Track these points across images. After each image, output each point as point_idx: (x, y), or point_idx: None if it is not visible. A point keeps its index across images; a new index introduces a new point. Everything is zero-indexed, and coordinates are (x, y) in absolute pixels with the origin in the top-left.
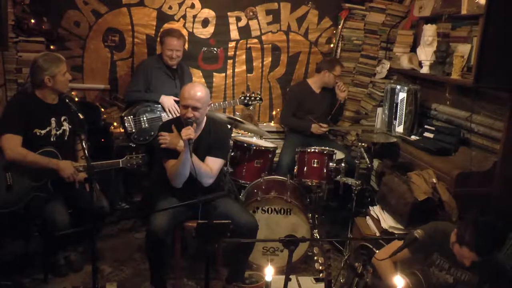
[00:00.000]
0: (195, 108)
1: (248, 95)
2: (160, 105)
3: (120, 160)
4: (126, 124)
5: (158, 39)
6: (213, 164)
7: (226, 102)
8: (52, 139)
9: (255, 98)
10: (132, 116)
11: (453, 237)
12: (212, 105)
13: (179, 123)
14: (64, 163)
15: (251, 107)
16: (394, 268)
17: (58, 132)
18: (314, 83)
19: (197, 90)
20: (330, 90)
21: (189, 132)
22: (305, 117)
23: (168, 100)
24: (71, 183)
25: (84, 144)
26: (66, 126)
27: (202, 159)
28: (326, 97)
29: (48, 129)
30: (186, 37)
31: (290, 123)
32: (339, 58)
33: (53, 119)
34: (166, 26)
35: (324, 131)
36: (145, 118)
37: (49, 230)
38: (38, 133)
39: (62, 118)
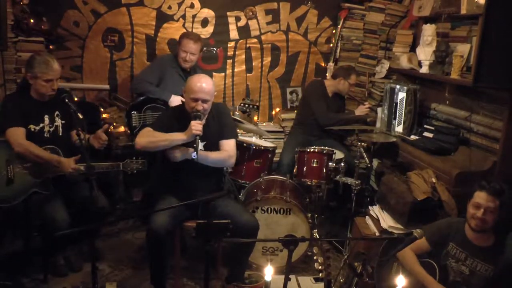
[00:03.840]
0: (204, 101)
1: (246, 103)
2: (164, 103)
3: (121, 163)
4: (132, 118)
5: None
6: (228, 146)
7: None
8: (46, 135)
9: (253, 106)
10: (137, 112)
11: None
12: None
13: (182, 112)
14: (67, 160)
15: (248, 114)
16: (417, 260)
17: (51, 129)
18: (329, 86)
19: (205, 82)
20: (340, 97)
21: (199, 128)
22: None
23: (177, 102)
24: (71, 183)
25: (83, 143)
26: (58, 121)
27: (213, 143)
28: (335, 103)
29: (41, 125)
30: None
31: (333, 119)
32: (338, 57)
33: (46, 116)
34: (166, 26)
35: (369, 107)
36: (150, 115)
37: (49, 230)
38: (32, 129)
39: (55, 114)
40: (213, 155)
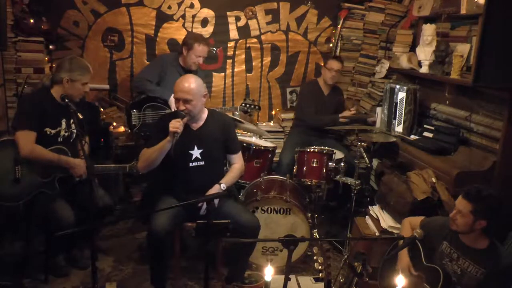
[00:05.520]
0: (186, 101)
1: (247, 103)
2: (164, 102)
3: (128, 166)
4: (132, 117)
5: (184, 40)
6: (239, 159)
7: (227, 108)
8: (59, 140)
9: (254, 106)
10: (137, 110)
11: None
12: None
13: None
14: (79, 161)
15: (249, 115)
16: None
17: (66, 134)
18: (322, 84)
19: (187, 82)
20: (336, 92)
21: (177, 125)
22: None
23: None
24: (76, 183)
25: (83, 145)
26: (74, 129)
27: (210, 148)
28: (333, 99)
29: (58, 129)
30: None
31: (316, 120)
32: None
33: (63, 120)
34: (166, 25)
35: (354, 112)
36: (150, 114)
37: (54, 229)
38: (48, 132)
39: (71, 121)
40: (233, 175)
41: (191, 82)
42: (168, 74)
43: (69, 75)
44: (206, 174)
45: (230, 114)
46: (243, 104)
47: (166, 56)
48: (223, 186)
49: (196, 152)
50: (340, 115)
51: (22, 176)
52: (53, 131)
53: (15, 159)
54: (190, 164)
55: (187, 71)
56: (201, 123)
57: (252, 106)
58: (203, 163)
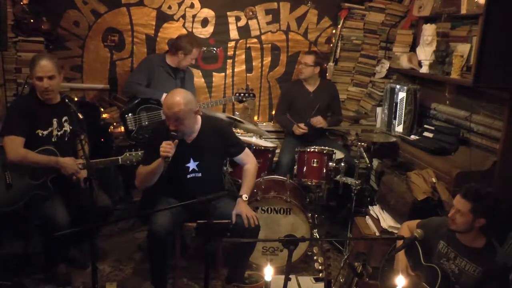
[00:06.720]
0: (177, 120)
1: (241, 92)
2: (157, 102)
3: (120, 157)
4: (127, 122)
5: (180, 42)
6: (247, 157)
7: (222, 99)
8: (53, 140)
9: (249, 94)
10: (131, 114)
11: None
12: (208, 103)
13: (167, 129)
14: (67, 160)
15: (246, 104)
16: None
17: (59, 133)
18: (305, 81)
19: (175, 100)
20: (326, 89)
21: (168, 149)
22: (299, 116)
23: None
24: (71, 182)
25: (83, 144)
26: (67, 126)
27: (206, 159)
28: (320, 96)
29: (50, 129)
30: None
31: (279, 121)
32: (338, 57)
33: (54, 119)
34: (166, 25)
35: (302, 132)
36: (145, 116)
37: (49, 229)
38: (40, 134)
39: (63, 119)
40: (251, 180)
41: (180, 99)
42: (156, 75)
43: (30, 75)
44: (203, 184)
45: (227, 107)
46: (237, 94)
47: (152, 57)
48: (244, 197)
49: (192, 165)
50: (294, 128)
51: (13, 181)
52: (45, 132)
53: (2, 165)
54: (188, 176)
55: (175, 70)
56: (195, 135)
57: (247, 94)
58: (200, 174)
